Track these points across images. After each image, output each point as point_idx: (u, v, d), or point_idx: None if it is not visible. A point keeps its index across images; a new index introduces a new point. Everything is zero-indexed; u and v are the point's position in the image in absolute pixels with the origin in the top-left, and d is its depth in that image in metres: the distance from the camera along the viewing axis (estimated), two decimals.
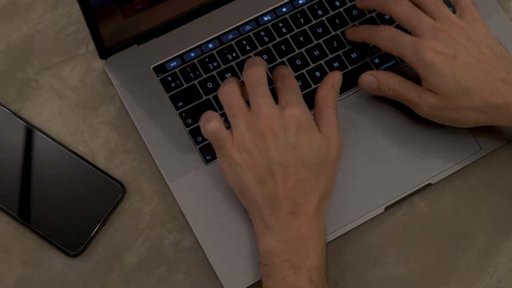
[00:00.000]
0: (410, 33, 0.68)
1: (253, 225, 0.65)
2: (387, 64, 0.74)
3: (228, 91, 0.65)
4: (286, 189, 0.62)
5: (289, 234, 0.62)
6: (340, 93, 0.71)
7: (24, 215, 0.69)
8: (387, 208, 0.70)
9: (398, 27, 0.70)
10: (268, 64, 0.73)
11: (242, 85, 0.66)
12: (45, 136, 0.71)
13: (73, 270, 0.69)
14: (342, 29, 0.75)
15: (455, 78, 0.65)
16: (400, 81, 0.69)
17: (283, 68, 0.68)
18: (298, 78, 0.73)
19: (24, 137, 0.71)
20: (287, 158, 0.62)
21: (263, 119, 0.62)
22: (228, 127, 0.64)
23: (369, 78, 0.70)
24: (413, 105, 0.69)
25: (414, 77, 0.69)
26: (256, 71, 0.65)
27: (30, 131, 0.71)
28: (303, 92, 0.73)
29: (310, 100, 0.71)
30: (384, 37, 0.68)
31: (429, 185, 0.71)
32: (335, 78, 0.67)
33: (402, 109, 0.72)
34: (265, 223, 0.63)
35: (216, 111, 0.71)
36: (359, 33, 0.72)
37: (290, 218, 0.62)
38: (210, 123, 0.64)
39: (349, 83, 0.73)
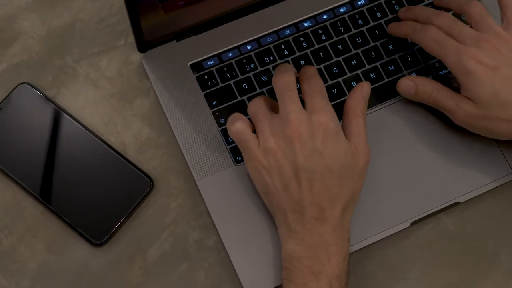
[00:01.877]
0: None
1: (278, 229, 0.65)
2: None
3: (255, 104, 0.66)
4: (311, 194, 0.62)
5: (312, 240, 0.62)
6: (376, 104, 0.72)
7: (51, 200, 0.70)
8: (413, 223, 0.70)
9: None
10: None
11: (271, 100, 0.67)
12: (78, 124, 0.72)
13: (96, 259, 0.69)
14: (381, 40, 0.74)
15: (494, 89, 0.65)
16: (438, 87, 0.69)
17: (310, 69, 0.68)
18: (333, 86, 0.73)
19: (57, 123, 0.72)
20: (313, 163, 0.62)
21: (291, 125, 0.63)
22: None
23: (407, 83, 0.70)
24: (450, 113, 0.68)
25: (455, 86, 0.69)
26: (285, 77, 0.65)
27: (64, 117, 0.72)
28: (338, 101, 0.72)
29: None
30: (429, 37, 0.68)
31: (457, 203, 0.70)
32: (364, 89, 0.67)
33: (434, 127, 0.72)
34: (289, 227, 0.63)
35: None
36: (404, 28, 0.72)
37: (314, 224, 0.62)
38: (236, 124, 0.65)
39: (384, 95, 0.73)
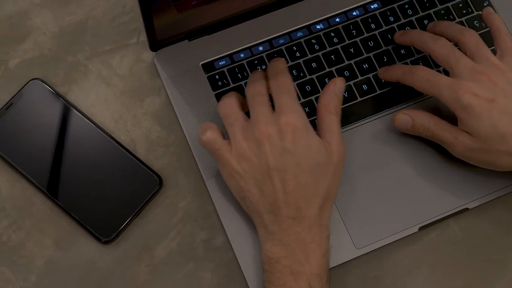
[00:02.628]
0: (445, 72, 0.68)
1: (257, 232, 0.65)
2: None
3: (226, 103, 0.66)
4: (285, 194, 0.62)
5: (289, 240, 0.62)
6: (388, 108, 0.72)
7: (60, 196, 0.70)
8: (421, 228, 0.69)
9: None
10: (317, 73, 0.73)
11: (242, 98, 0.67)
12: (88, 121, 0.72)
13: (103, 256, 0.69)
14: (394, 45, 0.74)
15: (492, 121, 0.64)
16: (435, 121, 0.68)
17: (278, 63, 0.68)
18: (345, 89, 0.73)
19: (68, 119, 0.72)
20: (284, 163, 0.62)
21: (260, 127, 0.63)
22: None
23: (403, 118, 0.69)
24: (448, 146, 0.68)
25: (451, 115, 0.68)
26: (255, 86, 0.66)
27: (74, 114, 0.72)
28: (348, 105, 0.72)
29: (354, 113, 0.72)
30: (420, 78, 0.67)
31: (466, 209, 0.70)
32: (337, 85, 0.67)
33: None
34: (266, 229, 0.63)
35: None
36: (392, 73, 0.71)
37: (290, 223, 0.62)
38: (207, 134, 0.65)
39: (393, 100, 0.73)
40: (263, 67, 0.73)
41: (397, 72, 0.70)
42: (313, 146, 0.63)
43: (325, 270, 0.63)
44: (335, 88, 0.66)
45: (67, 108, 0.72)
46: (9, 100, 0.72)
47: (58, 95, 0.72)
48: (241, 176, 0.63)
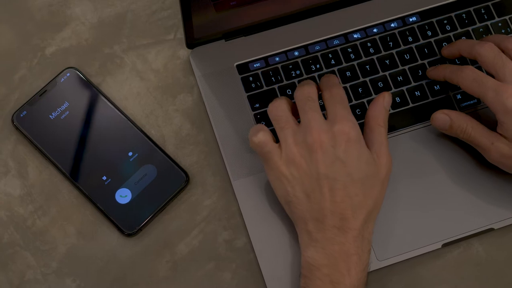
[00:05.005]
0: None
1: (298, 237, 0.65)
2: (469, 102, 0.73)
3: (277, 106, 0.66)
4: (333, 202, 0.62)
5: (333, 249, 0.62)
6: (418, 122, 0.72)
7: (87, 186, 0.70)
8: (444, 245, 0.69)
9: None
10: (350, 82, 0.73)
11: (292, 103, 0.67)
12: (120, 113, 0.72)
13: (125, 249, 0.70)
14: (430, 59, 0.74)
15: None
16: (473, 124, 0.68)
17: (331, 78, 0.68)
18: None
19: (100, 110, 0.72)
20: (335, 172, 0.62)
21: (312, 133, 0.63)
22: (278, 141, 0.65)
23: (442, 117, 0.69)
24: (484, 151, 0.68)
25: (489, 122, 0.68)
26: (305, 89, 0.66)
27: (106, 105, 0.72)
28: None
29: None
30: (468, 77, 0.67)
31: (491, 229, 0.70)
32: (385, 99, 0.67)
33: (472, 152, 0.71)
34: (310, 235, 0.63)
35: None
36: (441, 71, 0.71)
37: (335, 233, 0.62)
38: (258, 135, 0.65)
39: (425, 115, 0.73)
40: (298, 72, 0.73)
41: (445, 71, 0.70)
42: (364, 157, 0.63)
43: (363, 284, 0.62)
44: (384, 101, 0.67)
45: (99, 99, 0.72)
46: (43, 87, 0.73)
47: (92, 85, 0.73)
48: (288, 181, 0.63)
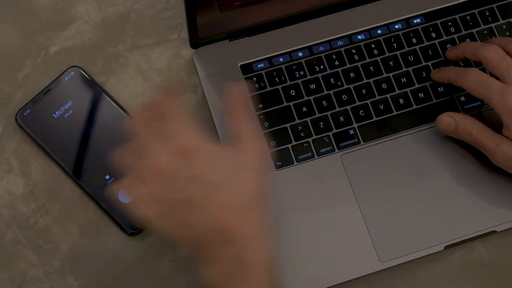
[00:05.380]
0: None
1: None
2: (473, 104, 0.73)
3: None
4: (205, 221, 0.54)
5: (226, 265, 0.54)
6: (422, 124, 0.71)
7: (89, 185, 0.70)
8: (447, 247, 0.69)
9: None
10: (354, 83, 0.73)
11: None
12: (123, 113, 0.72)
13: (127, 248, 0.70)
14: (434, 61, 0.74)
15: None
16: (478, 126, 0.68)
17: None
18: (381, 102, 0.73)
19: (103, 109, 0.72)
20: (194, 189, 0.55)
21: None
22: None
23: (447, 119, 0.69)
24: (489, 153, 0.68)
25: (494, 123, 0.68)
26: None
27: (110, 104, 0.72)
28: (383, 117, 0.72)
29: (388, 126, 0.71)
30: (473, 79, 0.67)
31: (494, 232, 0.69)
32: (233, 89, 0.60)
33: (476, 154, 0.71)
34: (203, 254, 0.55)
35: (294, 118, 0.72)
36: (446, 73, 0.71)
37: (224, 246, 0.54)
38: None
39: (429, 116, 0.73)
40: (301, 73, 0.73)
41: (450, 73, 0.70)
42: (215, 159, 0.57)
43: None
44: (233, 92, 0.60)
45: (103, 98, 0.72)
46: (47, 86, 0.73)
47: (95, 84, 0.73)
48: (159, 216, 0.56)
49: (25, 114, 0.72)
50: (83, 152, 0.71)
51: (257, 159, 0.58)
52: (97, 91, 0.73)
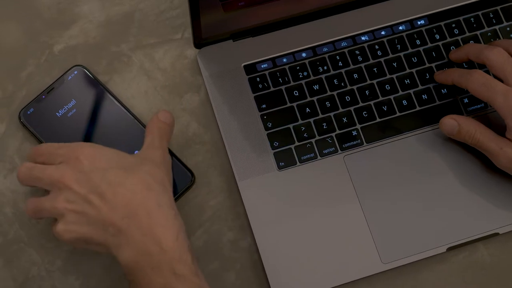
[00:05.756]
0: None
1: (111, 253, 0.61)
2: (476, 106, 0.73)
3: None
4: (106, 204, 0.59)
5: (135, 237, 0.58)
6: (425, 126, 0.71)
7: None
8: (449, 249, 0.69)
9: None
10: (357, 84, 0.73)
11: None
12: (127, 112, 0.72)
13: None
14: (437, 63, 0.74)
15: None
16: (481, 129, 0.68)
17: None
18: (384, 103, 0.73)
19: (107, 108, 0.72)
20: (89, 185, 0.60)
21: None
22: None
23: (450, 122, 0.69)
24: (492, 156, 0.68)
25: (497, 126, 0.68)
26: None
27: (113, 104, 0.72)
28: (385, 119, 0.72)
29: (392, 127, 0.71)
30: (477, 81, 0.67)
31: (496, 234, 0.69)
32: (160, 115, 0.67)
33: (479, 156, 0.71)
34: (113, 244, 0.59)
35: (298, 119, 0.72)
36: (450, 75, 0.71)
37: (127, 222, 0.59)
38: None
39: (432, 118, 0.73)
40: (305, 73, 0.73)
41: (454, 74, 0.70)
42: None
43: (185, 252, 0.58)
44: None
45: (106, 97, 0.73)
46: (51, 85, 0.73)
47: (99, 83, 0.73)
48: (73, 222, 0.61)
49: (28, 112, 0.72)
50: None
51: (151, 153, 0.64)
52: (100, 90, 0.73)
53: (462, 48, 0.72)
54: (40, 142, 0.71)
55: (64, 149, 0.63)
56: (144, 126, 0.72)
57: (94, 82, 0.73)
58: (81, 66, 0.73)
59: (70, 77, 0.73)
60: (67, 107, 0.72)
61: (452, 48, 0.75)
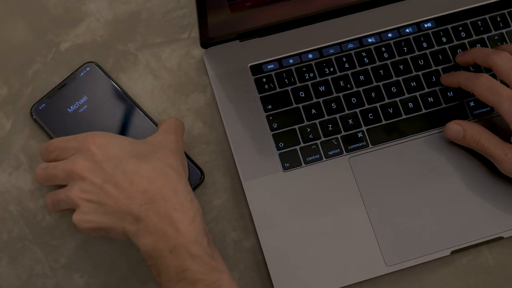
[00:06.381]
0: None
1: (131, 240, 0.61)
2: (482, 110, 0.73)
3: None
4: (123, 192, 0.60)
5: (154, 223, 0.59)
6: (433, 127, 0.71)
7: None
8: (453, 252, 0.69)
9: None
10: (364, 86, 0.73)
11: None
12: (139, 110, 0.72)
13: (134, 246, 0.69)
14: (444, 65, 0.74)
15: None
16: (487, 135, 0.68)
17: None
18: (390, 105, 0.73)
19: (119, 105, 0.72)
20: (101, 176, 0.61)
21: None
22: None
23: (455, 128, 0.69)
24: (497, 161, 0.68)
25: (503, 130, 0.68)
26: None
27: (125, 100, 0.72)
28: (392, 121, 0.72)
29: (397, 130, 0.71)
30: (482, 84, 0.67)
31: (501, 238, 0.69)
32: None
33: (484, 160, 0.71)
34: (132, 231, 0.60)
35: (303, 120, 0.72)
36: (456, 78, 0.71)
37: (146, 209, 0.59)
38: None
39: (438, 121, 0.73)
40: (311, 75, 0.73)
41: (460, 77, 0.70)
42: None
43: (201, 234, 0.59)
44: None
45: (118, 94, 0.72)
46: (63, 81, 0.72)
47: (111, 80, 0.73)
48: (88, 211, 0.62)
49: (40, 108, 0.72)
50: None
51: (164, 140, 0.65)
52: (112, 87, 0.73)
53: (469, 52, 0.72)
54: (51, 138, 0.71)
55: (74, 141, 0.63)
56: (155, 124, 0.72)
57: (106, 79, 0.73)
58: (94, 63, 0.73)
59: (82, 73, 0.73)
60: (78, 103, 0.72)
61: (459, 51, 0.75)
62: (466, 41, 0.75)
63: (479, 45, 0.75)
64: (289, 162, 0.71)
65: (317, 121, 0.72)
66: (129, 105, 0.72)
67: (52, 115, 0.72)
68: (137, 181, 0.60)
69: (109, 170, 0.60)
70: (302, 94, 0.73)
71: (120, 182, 0.60)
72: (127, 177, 0.60)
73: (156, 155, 0.62)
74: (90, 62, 0.73)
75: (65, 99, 0.72)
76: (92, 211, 0.60)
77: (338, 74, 0.74)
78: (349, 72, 0.74)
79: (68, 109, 0.72)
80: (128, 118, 0.72)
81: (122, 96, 0.72)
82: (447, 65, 0.74)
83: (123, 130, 0.71)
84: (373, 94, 0.73)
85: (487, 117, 0.73)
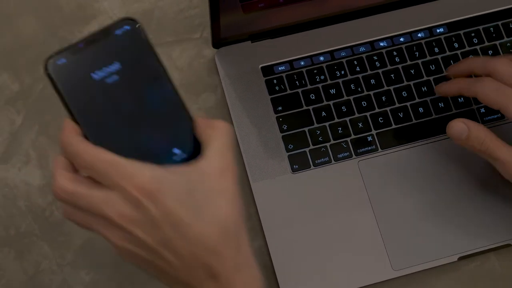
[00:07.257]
0: None
1: None
2: (493, 116, 0.73)
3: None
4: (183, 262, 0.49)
5: None
6: (436, 135, 0.71)
7: None
8: (460, 258, 0.69)
9: None
10: (374, 90, 0.73)
11: None
12: (178, 97, 0.55)
13: None
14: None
15: None
16: (492, 137, 0.65)
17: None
18: (400, 109, 0.72)
19: (156, 86, 0.54)
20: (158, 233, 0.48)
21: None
22: None
23: (460, 126, 0.66)
24: (501, 165, 0.65)
25: (509, 138, 0.68)
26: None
27: (166, 83, 0.54)
28: (402, 125, 0.72)
29: (407, 133, 0.71)
30: (489, 87, 0.65)
31: (508, 245, 0.69)
32: None
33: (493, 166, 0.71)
34: None
35: (313, 122, 0.72)
36: (455, 84, 0.68)
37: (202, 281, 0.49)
38: None
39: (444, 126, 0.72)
40: (322, 77, 0.73)
41: (460, 83, 0.68)
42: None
43: None
44: None
45: (159, 72, 0.54)
46: (93, 34, 0.52)
47: (153, 51, 0.53)
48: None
49: (58, 63, 0.50)
50: (117, 134, 0.51)
51: (223, 179, 0.50)
52: (153, 61, 0.53)
53: (464, 62, 0.69)
54: (65, 104, 0.50)
55: (110, 168, 0.48)
56: (190, 119, 0.54)
57: (148, 48, 0.53)
58: (135, 21, 0.52)
59: (118, 31, 0.52)
60: (108, 70, 0.52)
61: (471, 57, 0.74)
62: (478, 47, 0.75)
63: (491, 52, 0.74)
64: (298, 164, 0.71)
65: (327, 124, 0.72)
66: (169, 91, 0.54)
67: (72, 76, 0.50)
68: (196, 248, 0.48)
69: (165, 231, 0.47)
70: (312, 96, 0.73)
71: (178, 248, 0.48)
72: (185, 242, 0.48)
73: (217, 202, 0.49)
74: (131, 19, 0.52)
75: (91, 60, 0.51)
76: (143, 265, 0.50)
77: (349, 77, 0.74)
78: (360, 76, 0.74)
79: (94, 74, 0.51)
80: (164, 108, 0.53)
81: (165, 77, 0.54)
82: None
83: (155, 118, 0.52)
84: (383, 98, 0.73)
85: (498, 124, 0.73)
